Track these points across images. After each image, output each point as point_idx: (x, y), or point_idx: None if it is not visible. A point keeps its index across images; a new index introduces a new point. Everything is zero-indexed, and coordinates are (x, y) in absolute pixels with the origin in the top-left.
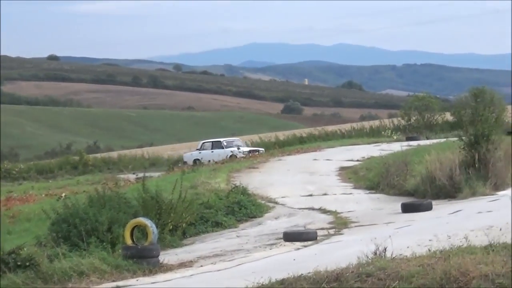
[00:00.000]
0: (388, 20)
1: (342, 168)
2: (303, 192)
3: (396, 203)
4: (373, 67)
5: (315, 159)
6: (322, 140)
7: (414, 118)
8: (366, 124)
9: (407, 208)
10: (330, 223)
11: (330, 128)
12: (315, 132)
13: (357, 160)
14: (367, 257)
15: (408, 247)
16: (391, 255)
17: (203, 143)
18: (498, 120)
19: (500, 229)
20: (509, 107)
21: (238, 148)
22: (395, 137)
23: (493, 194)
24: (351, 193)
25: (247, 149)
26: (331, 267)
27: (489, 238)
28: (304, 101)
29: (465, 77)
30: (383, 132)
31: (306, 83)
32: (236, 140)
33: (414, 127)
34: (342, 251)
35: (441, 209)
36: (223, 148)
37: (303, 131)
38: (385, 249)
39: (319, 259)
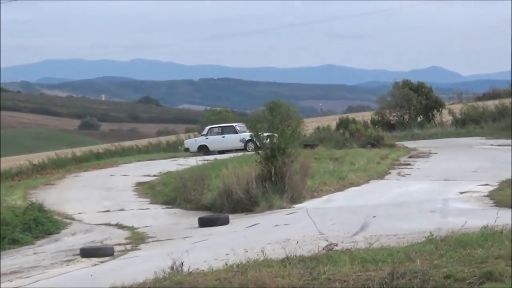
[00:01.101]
0: (184, 35)
1: (139, 184)
2: (100, 208)
3: (193, 218)
4: (170, 82)
5: (112, 175)
6: (119, 156)
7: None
8: (163, 139)
9: (204, 223)
10: (127, 238)
11: (127, 143)
12: (112, 147)
13: (154, 175)
14: (164, 272)
15: (205, 261)
16: (188, 270)
17: (210, 128)
18: (294, 133)
19: (297, 242)
20: (306, 120)
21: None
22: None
23: (290, 207)
24: (148, 208)
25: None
26: (128, 283)
27: (286, 251)
28: (101, 116)
29: (262, 90)
30: (180, 147)
31: (103, 99)
32: (242, 125)
33: None
34: (139, 266)
35: (238, 223)
36: (237, 133)
37: (100, 147)
38: (182, 264)
39: (116, 275)
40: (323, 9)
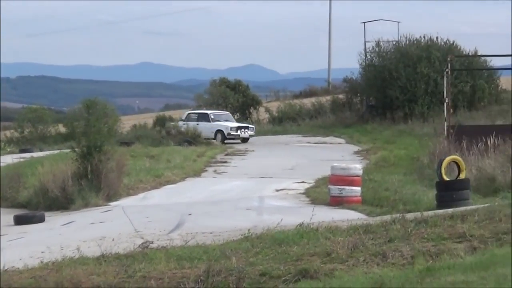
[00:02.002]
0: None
1: None
2: None
3: (9, 216)
4: None
5: None
6: None
7: (27, 130)
8: None
9: (19, 220)
10: None
11: None
12: None
13: None
14: None
15: (20, 259)
16: (3, 268)
17: (189, 113)
18: (111, 131)
19: (113, 240)
20: (123, 118)
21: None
22: (8, 150)
23: (106, 205)
24: None
25: (236, 125)
26: None
27: (102, 248)
28: None
29: (80, 88)
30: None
31: None
32: (225, 114)
33: (27, 139)
34: None
35: (54, 220)
36: (209, 121)
37: None
38: None
39: None
40: (140, 7)
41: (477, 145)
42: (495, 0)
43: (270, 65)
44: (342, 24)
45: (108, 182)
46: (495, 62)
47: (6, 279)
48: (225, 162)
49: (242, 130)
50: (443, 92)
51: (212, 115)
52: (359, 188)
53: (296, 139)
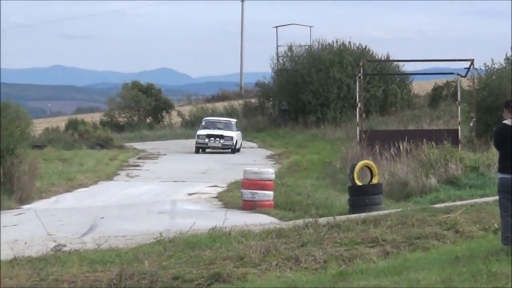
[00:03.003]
0: None
1: None
2: None
3: None
4: None
5: None
6: None
7: None
8: None
9: None
10: None
11: None
12: None
13: None
14: None
15: None
16: None
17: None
18: (24, 134)
19: (25, 243)
20: (35, 121)
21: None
22: None
23: (18, 208)
24: None
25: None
26: None
27: (14, 251)
28: None
29: None
30: None
31: None
32: (230, 122)
33: None
34: None
35: None
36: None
37: None
38: None
39: None
40: (52, 9)
41: (390, 150)
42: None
43: (182, 69)
44: (255, 28)
45: (20, 185)
46: (407, 67)
47: None
48: (138, 165)
49: (212, 138)
50: (356, 97)
51: (205, 121)
52: (271, 192)
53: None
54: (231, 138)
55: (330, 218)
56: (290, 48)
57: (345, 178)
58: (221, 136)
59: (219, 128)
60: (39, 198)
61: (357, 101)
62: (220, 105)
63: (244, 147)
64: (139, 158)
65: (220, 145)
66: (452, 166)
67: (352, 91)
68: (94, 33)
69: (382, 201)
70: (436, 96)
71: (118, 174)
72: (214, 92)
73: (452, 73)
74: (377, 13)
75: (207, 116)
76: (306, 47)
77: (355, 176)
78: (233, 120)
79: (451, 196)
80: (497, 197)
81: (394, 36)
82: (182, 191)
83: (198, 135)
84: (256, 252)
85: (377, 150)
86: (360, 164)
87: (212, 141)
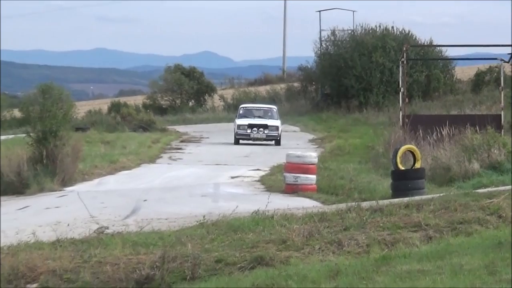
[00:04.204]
0: None
1: None
2: None
3: None
4: None
5: None
6: None
7: None
8: None
9: None
10: None
11: None
12: None
13: None
14: None
15: None
16: None
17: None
18: (66, 116)
19: (68, 225)
20: (77, 103)
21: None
22: None
23: (61, 190)
24: None
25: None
26: None
27: (57, 233)
28: None
29: (34, 73)
30: None
31: None
32: (271, 109)
33: None
34: None
35: (9, 205)
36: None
37: None
38: None
39: None
40: None
41: (432, 135)
42: None
43: (224, 53)
44: (297, 12)
45: (63, 167)
46: (450, 52)
47: None
48: (180, 148)
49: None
50: (398, 82)
51: (243, 109)
52: (314, 176)
53: None
54: (277, 128)
55: (373, 202)
56: (333, 33)
57: (388, 162)
58: (265, 126)
59: (259, 117)
60: (81, 180)
61: (400, 85)
62: (262, 89)
63: (286, 131)
64: (181, 141)
65: (264, 136)
66: (495, 151)
67: (395, 76)
68: (135, 16)
69: (424, 186)
70: (479, 82)
71: (161, 157)
72: (256, 76)
73: (495, 59)
74: None
75: (249, 101)
76: (349, 31)
77: (398, 160)
78: (274, 107)
79: (494, 181)
80: None
81: (434, 21)
82: (224, 174)
83: (239, 125)
84: (299, 236)
85: (420, 134)
86: (403, 148)
87: (255, 132)
